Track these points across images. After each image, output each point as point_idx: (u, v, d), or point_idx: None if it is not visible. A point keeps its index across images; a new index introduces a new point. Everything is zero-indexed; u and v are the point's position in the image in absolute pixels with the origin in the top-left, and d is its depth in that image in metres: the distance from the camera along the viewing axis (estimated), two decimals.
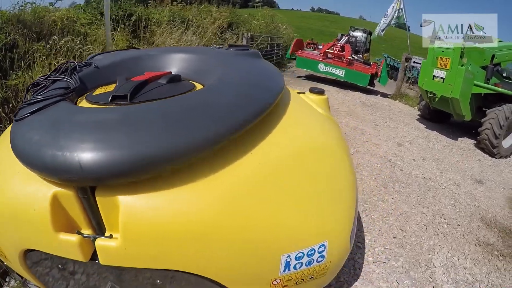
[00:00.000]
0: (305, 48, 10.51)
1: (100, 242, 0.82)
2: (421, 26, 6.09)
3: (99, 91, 1.20)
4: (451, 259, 2.42)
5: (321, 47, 10.21)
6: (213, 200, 0.85)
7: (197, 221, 0.82)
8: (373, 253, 2.31)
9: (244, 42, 9.07)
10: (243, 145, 0.99)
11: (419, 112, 6.87)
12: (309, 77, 10.59)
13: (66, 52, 4.32)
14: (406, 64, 8.94)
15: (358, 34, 11.12)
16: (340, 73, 9.11)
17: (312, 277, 1.04)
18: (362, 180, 3.45)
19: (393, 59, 12.58)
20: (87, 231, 0.86)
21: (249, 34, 9.32)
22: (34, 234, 0.86)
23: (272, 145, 1.03)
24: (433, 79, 5.18)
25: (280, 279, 0.97)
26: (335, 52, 9.45)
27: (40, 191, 0.81)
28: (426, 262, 2.33)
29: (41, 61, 3.74)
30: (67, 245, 0.83)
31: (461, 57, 4.67)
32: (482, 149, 5.05)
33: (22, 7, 4.50)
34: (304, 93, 1.78)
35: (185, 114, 0.87)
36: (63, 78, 1.14)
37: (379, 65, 8.87)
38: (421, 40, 6.88)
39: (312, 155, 1.12)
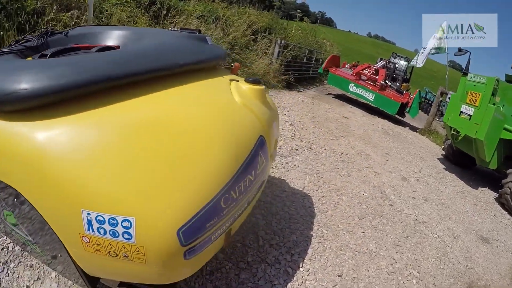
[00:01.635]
0: (342, 67, 10.10)
1: None
2: (455, 55, 5.49)
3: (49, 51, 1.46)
4: None
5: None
6: (43, 133, 0.99)
7: (26, 147, 0.97)
8: (301, 286, 1.93)
9: (276, 49, 8.92)
10: (100, 102, 1.11)
11: (444, 152, 6.17)
12: (339, 97, 10.11)
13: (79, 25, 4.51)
14: (440, 99, 8.16)
15: (399, 61, 10.45)
16: (369, 96, 8.60)
17: (126, 256, 1.02)
18: (337, 204, 3.02)
19: (434, 94, 11.68)
20: None
21: (282, 42, 9.12)
22: None
23: (128, 110, 1.15)
24: (459, 115, 4.58)
25: (89, 239, 0.99)
26: (368, 74, 8.95)
27: None
28: None
29: (60, 29, 4.03)
30: None
31: (493, 94, 4.05)
32: (502, 205, 4.32)
33: None
34: (238, 80, 1.68)
35: (58, 66, 1.08)
36: (32, 38, 1.45)
37: (412, 95, 8.19)
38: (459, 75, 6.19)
39: (156, 129, 1.15)
